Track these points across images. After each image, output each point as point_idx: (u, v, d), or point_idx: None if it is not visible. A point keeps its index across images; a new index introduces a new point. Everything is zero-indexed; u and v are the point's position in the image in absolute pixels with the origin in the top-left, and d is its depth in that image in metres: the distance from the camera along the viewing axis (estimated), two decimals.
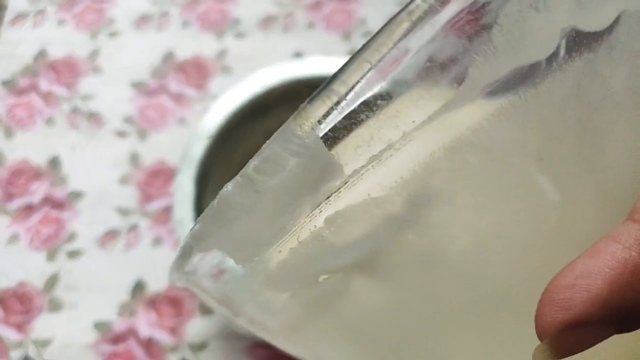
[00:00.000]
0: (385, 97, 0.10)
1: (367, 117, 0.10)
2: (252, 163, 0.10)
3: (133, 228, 0.30)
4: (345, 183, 0.10)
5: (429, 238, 0.11)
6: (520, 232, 0.12)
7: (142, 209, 0.30)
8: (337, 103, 0.10)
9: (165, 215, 0.30)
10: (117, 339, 0.27)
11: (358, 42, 0.34)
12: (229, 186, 0.11)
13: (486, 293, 0.12)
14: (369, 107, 0.10)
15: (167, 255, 0.29)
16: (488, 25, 0.10)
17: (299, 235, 0.11)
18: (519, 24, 0.10)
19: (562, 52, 0.11)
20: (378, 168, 0.10)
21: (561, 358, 0.09)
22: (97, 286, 0.28)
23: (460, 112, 0.10)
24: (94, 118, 0.33)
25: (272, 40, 0.35)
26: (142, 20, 0.36)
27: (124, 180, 0.31)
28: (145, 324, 0.28)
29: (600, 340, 0.09)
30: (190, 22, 0.36)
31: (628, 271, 0.09)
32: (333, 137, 0.10)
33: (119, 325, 0.28)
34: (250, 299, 0.13)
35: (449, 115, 0.10)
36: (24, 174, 0.31)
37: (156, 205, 0.30)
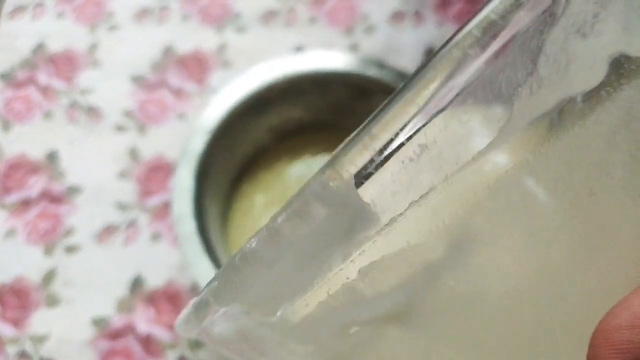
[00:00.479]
0: (426, 140, 0.09)
1: (408, 160, 0.09)
2: (281, 216, 0.10)
3: (132, 223, 0.29)
4: (381, 231, 0.10)
5: (469, 283, 0.11)
6: (569, 273, 0.11)
7: (141, 204, 0.30)
8: (380, 152, 0.09)
9: (164, 210, 0.30)
10: (115, 335, 0.27)
11: (360, 37, 0.34)
12: (252, 242, 0.10)
13: (530, 339, 0.11)
14: (410, 150, 0.09)
15: (167, 250, 0.29)
16: (534, 55, 0.09)
17: (329, 288, 0.10)
18: (566, 52, 0.10)
19: (610, 79, 0.10)
20: (417, 213, 0.10)
21: None
22: (95, 282, 0.28)
23: (504, 147, 0.10)
24: (93, 112, 0.32)
25: (273, 34, 0.34)
26: (142, 14, 0.35)
27: (123, 175, 0.31)
28: (144, 320, 0.27)
29: None
30: (191, 16, 0.35)
31: None
32: (368, 184, 0.09)
33: (117, 321, 0.27)
34: (270, 347, 0.12)
35: (493, 152, 0.10)
36: (22, 167, 0.31)
37: (155, 200, 0.30)
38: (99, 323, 0.27)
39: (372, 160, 0.09)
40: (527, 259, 0.11)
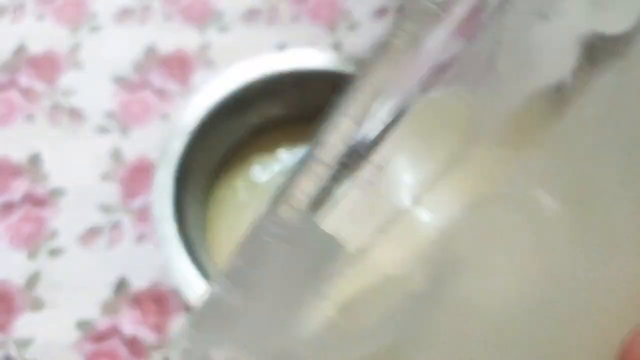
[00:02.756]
0: (383, 160, 0.08)
1: (366, 184, 0.08)
2: (237, 260, 0.09)
3: (116, 225, 0.29)
4: (352, 263, 0.09)
5: (458, 311, 0.10)
6: (562, 292, 0.10)
7: (124, 206, 0.30)
8: (334, 178, 0.08)
9: (148, 211, 0.29)
10: (100, 337, 0.27)
11: (343, 34, 0.34)
12: (216, 287, 0.09)
13: None
14: (366, 173, 0.08)
15: (151, 252, 0.29)
16: (486, 48, 0.08)
17: (309, 327, 0.09)
18: (525, 39, 0.08)
19: (584, 64, 0.08)
20: (389, 240, 0.09)
21: None
22: (79, 284, 0.28)
23: (471, 159, 0.08)
24: (75, 114, 0.32)
25: (256, 33, 0.34)
26: (124, 14, 0.35)
27: (106, 177, 0.30)
28: (129, 322, 0.27)
29: None
30: (173, 16, 0.35)
31: None
32: (326, 211, 0.08)
33: (102, 323, 0.27)
34: None
35: (460, 166, 0.08)
36: (4, 171, 0.31)
37: (139, 201, 0.30)
38: (84, 326, 0.27)
39: (326, 188, 0.08)
40: (518, 281, 0.10)
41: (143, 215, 0.29)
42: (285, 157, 0.25)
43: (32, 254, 0.29)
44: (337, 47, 0.33)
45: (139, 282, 0.28)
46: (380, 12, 0.34)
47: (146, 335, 0.27)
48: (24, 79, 0.33)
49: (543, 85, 0.08)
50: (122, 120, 0.32)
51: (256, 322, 0.10)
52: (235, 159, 0.28)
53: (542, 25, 0.08)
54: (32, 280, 0.28)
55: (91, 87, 0.33)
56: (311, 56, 0.25)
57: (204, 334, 0.10)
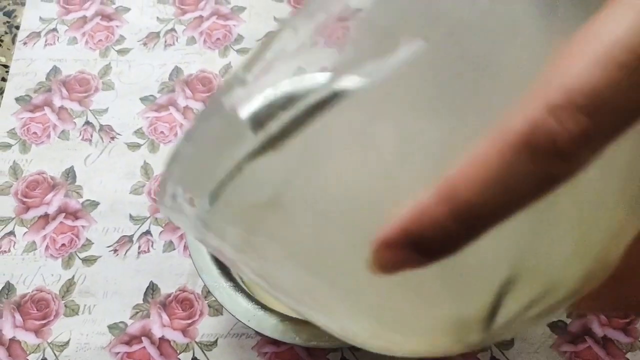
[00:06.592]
0: None
1: None
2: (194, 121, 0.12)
3: (145, 235, 0.31)
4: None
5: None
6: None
7: (153, 217, 0.32)
8: None
9: None
10: (131, 340, 0.29)
11: None
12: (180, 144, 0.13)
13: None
14: None
15: (178, 259, 0.31)
16: None
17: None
18: None
19: None
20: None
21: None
22: (111, 291, 0.30)
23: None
24: (106, 132, 0.34)
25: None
26: (150, 38, 0.38)
27: (135, 190, 0.33)
28: (158, 326, 0.29)
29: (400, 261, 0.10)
30: (195, 40, 0.37)
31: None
32: None
33: (133, 327, 0.29)
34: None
35: None
36: (40, 185, 0.33)
37: None
38: (115, 329, 0.29)
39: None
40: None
41: (170, 225, 0.31)
42: None
43: (66, 263, 0.31)
44: None
45: (167, 288, 0.30)
46: None
47: (174, 337, 0.29)
48: (58, 100, 0.36)
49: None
50: (150, 137, 0.34)
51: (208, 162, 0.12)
52: None
53: None
54: (67, 287, 0.30)
55: (121, 106, 0.35)
56: (324, 78, 0.28)
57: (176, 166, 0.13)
